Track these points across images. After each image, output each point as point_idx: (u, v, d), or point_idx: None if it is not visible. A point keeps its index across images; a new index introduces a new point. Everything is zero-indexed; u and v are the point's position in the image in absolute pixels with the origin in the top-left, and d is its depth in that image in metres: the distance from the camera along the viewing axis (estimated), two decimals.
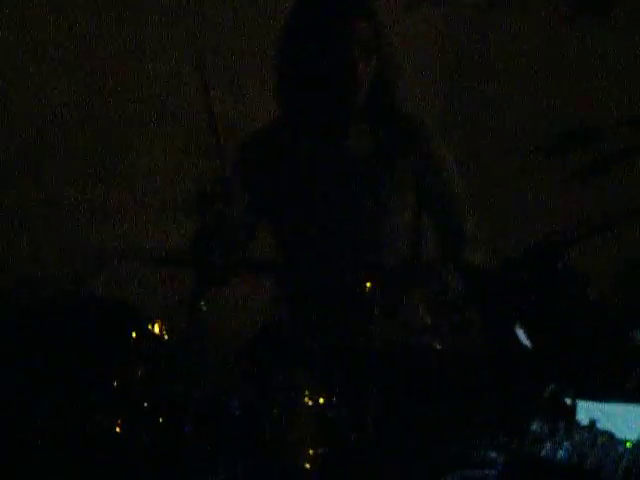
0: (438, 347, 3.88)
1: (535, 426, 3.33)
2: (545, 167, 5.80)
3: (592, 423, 3.33)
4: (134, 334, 3.70)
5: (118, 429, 3.60)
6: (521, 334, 3.41)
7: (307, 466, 3.46)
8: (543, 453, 3.28)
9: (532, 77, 6.04)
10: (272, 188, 4.27)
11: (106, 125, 6.03)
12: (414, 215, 4.22)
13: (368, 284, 3.68)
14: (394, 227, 4.19)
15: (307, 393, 3.53)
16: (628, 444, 3.27)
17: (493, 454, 3.36)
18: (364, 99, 4.10)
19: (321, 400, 3.51)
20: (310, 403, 3.52)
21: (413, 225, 4.23)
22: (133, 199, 5.90)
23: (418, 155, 4.21)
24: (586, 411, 3.43)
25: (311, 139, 4.23)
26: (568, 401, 3.40)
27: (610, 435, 3.30)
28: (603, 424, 3.36)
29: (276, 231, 4.30)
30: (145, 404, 3.61)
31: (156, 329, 3.70)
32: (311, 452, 3.47)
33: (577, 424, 3.36)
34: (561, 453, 3.28)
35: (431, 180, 4.24)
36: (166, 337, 3.72)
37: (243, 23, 5.62)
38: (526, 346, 3.43)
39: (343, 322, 3.95)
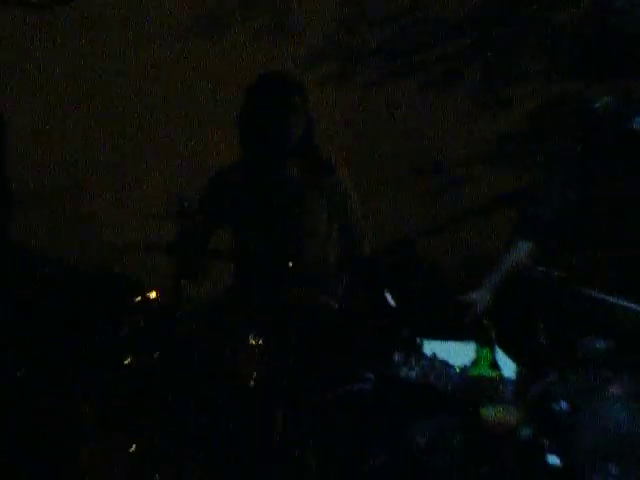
0: (335, 306, 4.79)
1: (396, 356, 3.98)
2: (405, 190, 6.48)
3: (433, 354, 4.01)
4: (139, 298, 4.64)
5: (130, 359, 4.45)
6: (389, 298, 4.23)
7: (251, 383, 4.28)
8: (401, 374, 3.91)
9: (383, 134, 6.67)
10: (232, 205, 5.24)
11: (121, 155, 6.54)
12: (327, 224, 5.18)
13: (292, 265, 4.60)
14: (313, 232, 5.17)
15: (253, 337, 4.43)
16: (457, 368, 3.95)
17: (368, 374, 4.00)
18: (294, 146, 5.08)
19: (260, 341, 4.39)
20: (254, 343, 4.40)
21: (326, 231, 5.18)
22: (137, 208, 6.35)
23: (329, 183, 5.19)
24: (429, 346, 4.09)
25: (258, 172, 5.20)
26: (417, 340, 4.03)
27: (445, 362, 3.96)
28: (440, 355, 4.02)
29: (234, 234, 5.26)
30: (144, 342, 4.51)
31: (152, 295, 4.64)
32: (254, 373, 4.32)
33: (423, 355, 4.00)
34: (413, 374, 3.91)
35: (337, 200, 5.20)
36: (159, 301, 4.64)
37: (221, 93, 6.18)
38: (392, 306, 4.23)
39: (276, 293, 4.75)
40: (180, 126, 6.46)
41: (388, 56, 6.58)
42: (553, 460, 3.46)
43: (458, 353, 4.06)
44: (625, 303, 4.07)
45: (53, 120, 6.58)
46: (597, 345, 3.94)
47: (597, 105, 4.43)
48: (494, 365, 3.95)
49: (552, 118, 6.32)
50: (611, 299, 4.09)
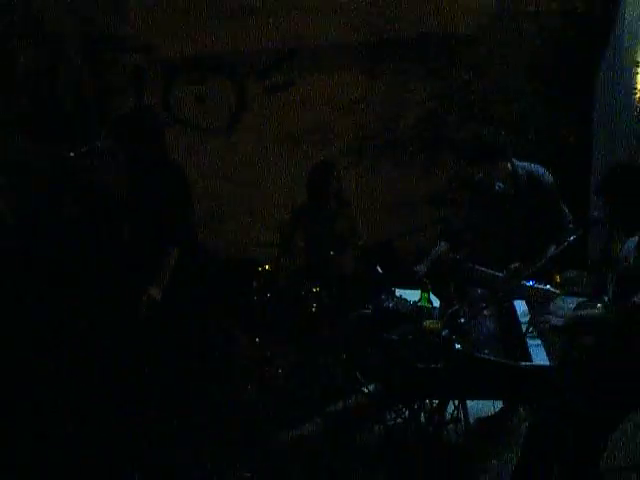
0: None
1: (382, 296, 4.01)
2: (387, 215, 6.36)
3: (400, 295, 4.05)
4: (261, 269, 4.78)
5: (256, 299, 4.62)
6: (379, 269, 4.31)
7: (314, 309, 4.46)
8: (385, 305, 3.92)
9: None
10: (304, 222, 5.30)
11: (252, 199, 6.43)
12: (346, 232, 5.25)
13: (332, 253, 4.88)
14: (340, 235, 5.23)
15: (315, 287, 4.62)
16: (411, 302, 3.97)
17: (369, 305, 3.95)
18: (332, 194, 5.19)
19: (318, 289, 4.58)
20: (314, 290, 4.59)
21: (347, 236, 5.24)
22: (260, 223, 6.30)
23: (347, 212, 5.29)
24: (398, 292, 4.10)
25: (315, 207, 5.29)
26: (393, 289, 4.10)
27: (406, 299, 4.00)
28: (404, 296, 4.05)
29: (306, 237, 5.31)
30: (264, 291, 4.69)
31: (267, 267, 4.80)
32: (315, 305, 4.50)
33: (395, 296, 4.04)
34: (390, 305, 3.92)
35: (349, 220, 5.27)
36: (270, 271, 4.81)
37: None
38: (380, 273, 4.29)
39: (325, 266, 4.97)
40: (279, 186, 6.33)
41: (380, 151, 6.51)
42: (458, 347, 3.37)
43: (412, 295, 4.07)
44: (493, 272, 4.10)
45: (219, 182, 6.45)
46: (479, 292, 3.97)
47: (479, 177, 4.50)
48: (429, 301, 3.95)
49: (459, 182, 6.30)
50: (486, 270, 4.11)
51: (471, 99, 6.28)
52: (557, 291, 3.75)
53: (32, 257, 4.34)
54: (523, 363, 3.25)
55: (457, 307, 3.60)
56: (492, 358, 3.29)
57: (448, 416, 3.78)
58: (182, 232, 4.14)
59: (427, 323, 3.57)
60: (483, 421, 4.20)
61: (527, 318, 3.64)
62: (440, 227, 4.68)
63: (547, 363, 3.27)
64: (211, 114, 6.27)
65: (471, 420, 3.99)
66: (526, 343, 3.43)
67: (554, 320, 3.35)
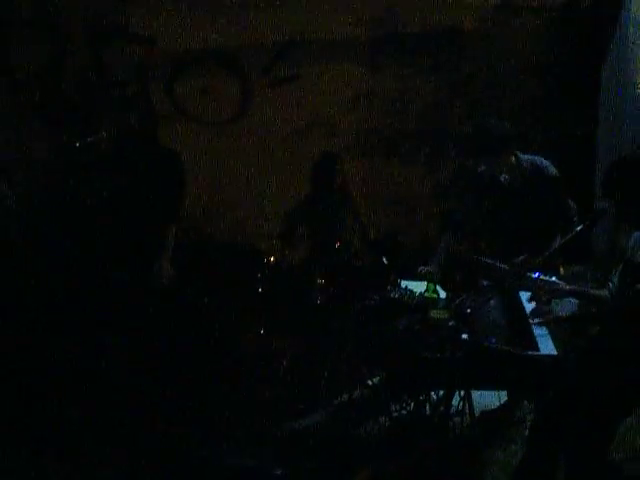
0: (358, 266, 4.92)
1: (388, 287, 4.02)
2: (390, 207, 6.35)
3: (406, 286, 4.04)
4: (266, 260, 4.81)
5: (262, 288, 4.62)
6: (384, 260, 4.42)
7: (318, 301, 4.47)
8: (390, 296, 3.90)
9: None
10: (308, 214, 5.33)
11: (260, 190, 6.37)
12: (351, 224, 5.29)
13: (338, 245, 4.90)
14: (345, 226, 5.27)
15: (319, 279, 4.65)
16: (417, 293, 3.93)
17: (375, 296, 3.92)
18: (336, 187, 5.22)
19: (323, 281, 4.60)
20: (320, 282, 4.60)
21: (351, 227, 5.28)
22: (263, 215, 6.29)
23: (351, 203, 5.33)
24: (404, 283, 4.12)
25: (319, 199, 5.31)
26: (398, 280, 4.12)
27: (411, 290, 3.97)
28: (409, 287, 4.04)
29: (309, 229, 5.32)
30: (268, 280, 4.69)
31: (272, 259, 4.83)
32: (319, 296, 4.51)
33: (401, 287, 4.06)
34: (396, 295, 3.90)
35: (354, 211, 5.31)
36: (276, 261, 4.84)
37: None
38: (385, 264, 4.43)
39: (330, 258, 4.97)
40: (283, 178, 6.31)
41: (384, 144, 6.48)
42: (464, 336, 3.39)
43: (418, 286, 4.07)
44: (495, 263, 4.03)
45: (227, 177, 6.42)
46: (483, 282, 4.00)
47: (481, 169, 4.52)
48: (436, 292, 3.93)
49: (461, 175, 6.27)
50: (489, 261, 4.07)
51: (475, 93, 6.31)
52: (563, 283, 3.69)
53: (33, 240, 4.51)
54: (530, 352, 3.24)
55: (463, 297, 3.62)
56: (499, 347, 3.28)
57: (453, 408, 3.74)
58: (179, 212, 4.37)
59: (433, 313, 3.55)
60: (488, 413, 4.18)
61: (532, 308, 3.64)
62: (443, 220, 4.75)
63: (554, 352, 3.26)
64: (215, 107, 6.30)
65: (476, 412, 3.96)
66: (533, 333, 3.40)
67: (558, 309, 3.41)
